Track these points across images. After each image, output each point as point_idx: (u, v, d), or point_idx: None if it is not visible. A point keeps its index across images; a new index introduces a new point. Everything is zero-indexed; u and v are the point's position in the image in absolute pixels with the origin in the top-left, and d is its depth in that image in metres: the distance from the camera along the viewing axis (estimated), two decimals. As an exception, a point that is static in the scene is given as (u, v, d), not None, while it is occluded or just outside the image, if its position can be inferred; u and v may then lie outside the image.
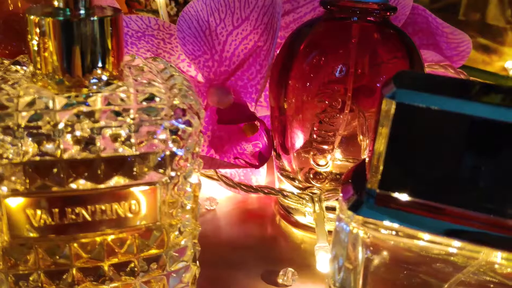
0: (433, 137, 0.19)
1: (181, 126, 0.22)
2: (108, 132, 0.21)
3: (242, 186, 0.33)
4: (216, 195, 0.37)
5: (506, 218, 0.19)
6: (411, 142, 0.20)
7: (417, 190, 0.20)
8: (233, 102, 0.34)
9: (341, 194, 0.23)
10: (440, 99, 0.19)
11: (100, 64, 0.23)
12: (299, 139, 0.32)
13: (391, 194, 0.21)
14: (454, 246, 0.20)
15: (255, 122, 0.35)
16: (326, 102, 0.30)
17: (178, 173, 0.23)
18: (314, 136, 0.31)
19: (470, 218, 0.20)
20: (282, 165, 0.34)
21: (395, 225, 0.20)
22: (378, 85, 0.31)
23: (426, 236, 0.20)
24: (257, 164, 0.33)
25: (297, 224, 0.34)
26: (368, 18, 0.30)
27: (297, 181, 0.33)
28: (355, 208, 0.21)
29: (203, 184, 0.38)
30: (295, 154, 0.33)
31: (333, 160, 0.32)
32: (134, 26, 0.35)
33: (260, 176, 0.38)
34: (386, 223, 0.20)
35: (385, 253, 0.22)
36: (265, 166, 0.38)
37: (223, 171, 0.36)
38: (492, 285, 0.22)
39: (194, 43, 0.35)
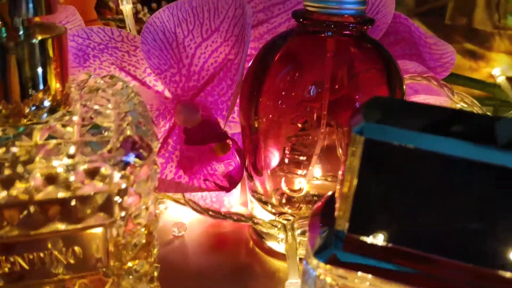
0: (406, 176, 0.17)
1: (131, 160, 0.20)
2: (44, 171, 0.18)
3: (210, 212, 0.31)
4: (185, 217, 0.34)
5: (491, 268, 0.17)
6: (383, 181, 0.18)
7: (391, 235, 0.18)
8: (201, 120, 0.32)
9: (307, 233, 0.21)
10: (413, 135, 0.17)
11: (41, 89, 0.21)
12: (271, 161, 0.30)
13: (362, 238, 0.19)
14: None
15: (227, 141, 0.33)
16: (299, 125, 0.28)
17: (129, 213, 0.20)
18: (286, 160, 0.29)
19: (449, 267, 0.18)
20: (254, 187, 0.32)
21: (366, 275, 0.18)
22: (356, 97, 0.29)
23: None
24: (227, 187, 0.31)
25: (270, 252, 0.32)
26: (344, 32, 0.27)
27: (269, 206, 0.31)
28: (320, 253, 0.19)
29: (171, 207, 0.36)
30: (268, 173, 0.31)
31: (309, 182, 0.30)
32: (96, 38, 0.33)
33: (233, 197, 0.36)
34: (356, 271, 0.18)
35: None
36: (238, 186, 0.36)
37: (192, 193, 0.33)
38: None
39: (160, 56, 0.32)
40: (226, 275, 0.30)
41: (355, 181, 0.18)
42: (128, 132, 0.20)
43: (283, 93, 0.29)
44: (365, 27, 0.27)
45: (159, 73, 0.32)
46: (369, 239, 0.18)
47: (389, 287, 0.18)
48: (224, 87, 0.33)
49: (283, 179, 0.30)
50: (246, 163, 0.32)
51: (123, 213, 0.20)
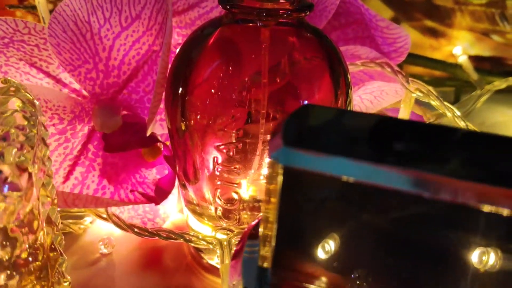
0: (326, 203, 0.14)
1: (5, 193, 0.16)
2: None
3: (135, 229, 0.27)
4: (115, 230, 0.30)
5: None
6: (306, 212, 0.14)
7: (317, 272, 0.15)
8: (122, 123, 0.28)
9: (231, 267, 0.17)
10: (331, 161, 0.13)
11: None
12: (203, 169, 0.26)
13: (285, 275, 0.15)
14: None
15: (157, 144, 0.29)
16: (231, 132, 0.24)
17: (11, 260, 0.16)
18: (218, 171, 0.25)
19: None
20: (188, 196, 0.28)
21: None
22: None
23: None
24: (156, 199, 0.27)
25: (210, 269, 0.28)
26: (280, 21, 0.24)
27: (205, 218, 0.27)
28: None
29: (99, 220, 0.31)
30: (203, 180, 0.27)
31: (253, 183, 0.27)
32: (-4, 31, 0.28)
33: (169, 206, 0.32)
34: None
35: None
36: (175, 191, 0.32)
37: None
38: None
39: (72, 50, 0.28)
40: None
41: (276, 211, 0.14)
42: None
43: (213, 91, 0.25)
44: (303, 14, 0.23)
45: (72, 70, 0.28)
46: (294, 275, 0.15)
47: None
48: (150, 82, 0.29)
49: (217, 191, 0.26)
50: (178, 169, 0.28)
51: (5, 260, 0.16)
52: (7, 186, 0.16)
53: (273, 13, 0.23)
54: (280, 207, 0.14)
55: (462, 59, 0.49)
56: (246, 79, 0.25)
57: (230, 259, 0.24)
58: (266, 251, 0.15)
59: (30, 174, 0.17)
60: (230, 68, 0.25)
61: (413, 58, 0.50)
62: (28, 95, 0.21)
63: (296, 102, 0.25)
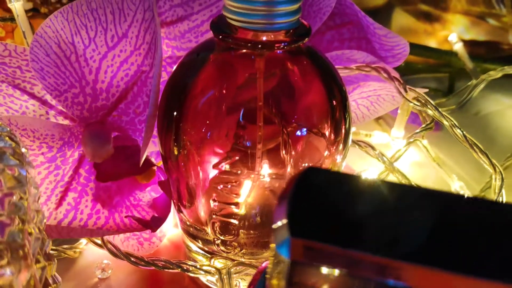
0: None
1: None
2: None
3: (131, 258, 0.26)
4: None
5: None
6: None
7: None
8: (115, 149, 0.27)
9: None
10: (343, 256, 0.13)
11: None
12: (197, 193, 0.26)
13: None
14: None
15: (152, 168, 0.28)
16: (226, 166, 0.24)
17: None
18: (214, 206, 0.25)
19: None
20: (183, 219, 0.28)
21: None
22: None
23: None
24: (152, 226, 0.27)
25: (208, 290, 0.28)
26: (276, 50, 0.22)
27: (200, 242, 0.27)
28: None
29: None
30: (198, 206, 0.27)
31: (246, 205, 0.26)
32: (-26, 55, 0.26)
33: (165, 223, 0.31)
34: None
35: None
36: (172, 211, 0.31)
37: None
38: None
39: (57, 74, 0.26)
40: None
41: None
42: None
43: (207, 120, 0.24)
44: (300, 44, 0.22)
45: (58, 95, 0.27)
46: None
47: None
48: (140, 104, 0.28)
49: (215, 225, 0.25)
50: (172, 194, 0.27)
51: None
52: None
53: (268, 45, 0.22)
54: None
55: (458, 47, 0.48)
56: (242, 107, 0.24)
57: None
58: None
59: (25, 256, 0.16)
60: (224, 92, 0.24)
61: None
62: (12, 143, 0.20)
63: (292, 128, 0.24)
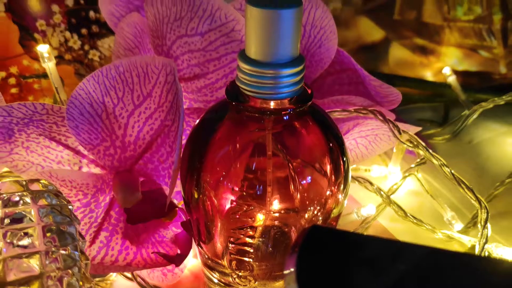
0: None
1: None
2: None
3: (159, 292, 0.30)
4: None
5: None
6: None
7: None
8: (143, 194, 0.30)
9: None
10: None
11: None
12: (215, 232, 0.29)
13: None
14: None
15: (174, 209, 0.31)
16: (242, 218, 0.27)
17: None
18: (231, 248, 0.28)
19: None
20: (203, 252, 0.31)
21: None
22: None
23: None
24: (176, 261, 0.30)
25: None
26: (283, 116, 0.26)
27: (217, 273, 0.31)
28: None
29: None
30: (216, 244, 0.30)
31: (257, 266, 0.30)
32: (18, 114, 0.30)
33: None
34: None
35: None
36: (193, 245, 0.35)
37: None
38: None
39: (90, 131, 0.30)
40: None
41: None
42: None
43: (224, 172, 0.28)
44: (303, 108, 0.26)
45: (91, 148, 0.30)
46: None
47: None
48: (164, 153, 0.32)
49: (233, 263, 0.29)
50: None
51: None
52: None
53: (275, 111, 0.25)
54: None
55: (451, 79, 0.51)
56: (254, 158, 0.27)
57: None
58: None
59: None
60: (238, 147, 0.28)
61: (405, 81, 0.53)
62: (58, 199, 0.24)
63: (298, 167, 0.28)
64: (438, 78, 0.55)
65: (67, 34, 0.44)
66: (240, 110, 0.26)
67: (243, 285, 0.29)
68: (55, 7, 0.44)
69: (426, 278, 0.17)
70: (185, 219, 0.31)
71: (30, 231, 0.21)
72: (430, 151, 0.34)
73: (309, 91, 0.26)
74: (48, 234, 0.21)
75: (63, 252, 0.21)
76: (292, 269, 0.17)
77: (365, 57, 0.56)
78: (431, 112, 0.54)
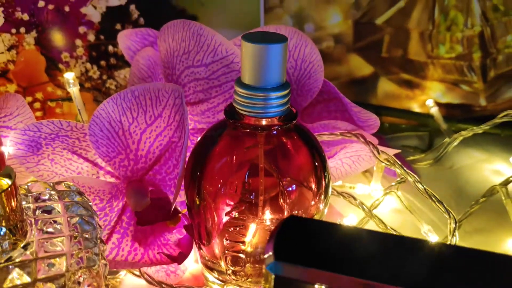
0: None
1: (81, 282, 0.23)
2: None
3: (163, 285, 0.34)
4: (143, 282, 0.38)
5: None
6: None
7: None
8: (151, 200, 0.35)
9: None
10: (319, 274, 0.20)
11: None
12: (213, 236, 0.34)
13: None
14: None
15: (178, 215, 0.36)
16: (235, 214, 0.32)
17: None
18: (227, 244, 0.33)
19: None
20: (202, 254, 0.35)
21: None
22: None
23: None
24: (178, 260, 0.34)
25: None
26: (272, 131, 0.31)
27: (216, 273, 0.35)
28: None
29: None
30: (214, 242, 0.34)
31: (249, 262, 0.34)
32: (46, 130, 0.35)
33: (188, 260, 0.39)
34: None
35: None
36: (193, 249, 0.39)
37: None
38: None
39: (108, 145, 0.35)
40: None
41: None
42: (79, 267, 0.23)
43: (222, 180, 0.32)
44: (289, 125, 0.31)
45: (108, 160, 0.35)
46: None
47: None
48: (170, 166, 0.36)
49: (227, 259, 0.33)
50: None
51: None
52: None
53: (266, 127, 0.30)
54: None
55: (434, 111, 0.56)
56: (247, 170, 0.32)
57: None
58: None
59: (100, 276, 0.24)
60: (234, 159, 0.33)
61: (391, 111, 0.58)
62: (81, 198, 0.28)
63: (287, 182, 0.33)
64: (423, 109, 0.60)
65: (88, 65, 0.50)
66: (236, 127, 0.31)
67: (236, 280, 0.34)
68: (78, 42, 0.50)
69: (390, 257, 0.21)
70: (187, 224, 0.35)
71: (58, 219, 0.26)
72: (405, 169, 0.38)
73: (294, 111, 0.31)
74: (73, 222, 0.26)
75: (85, 235, 0.25)
76: (270, 253, 0.22)
77: (356, 90, 0.61)
78: (417, 140, 0.59)
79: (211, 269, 0.35)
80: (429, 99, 0.57)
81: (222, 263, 0.34)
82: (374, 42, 0.60)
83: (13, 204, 0.23)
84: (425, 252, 0.22)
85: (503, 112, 0.47)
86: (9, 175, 0.23)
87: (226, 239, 0.33)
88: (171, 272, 0.38)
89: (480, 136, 0.54)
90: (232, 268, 0.33)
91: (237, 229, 0.32)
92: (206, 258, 0.35)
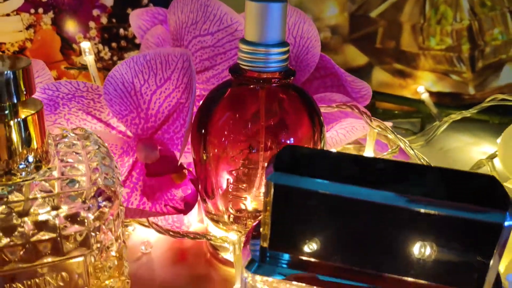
0: (310, 211, 0.24)
1: (101, 205, 0.26)
2: (35, 219, 0.24)
3: (170, 232, 0.37)
4: (152, 236, 0.40)
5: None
6: (292, 215, 0.24)
7: (301, 252, 0.25)
8: (160, 156, 0.38)
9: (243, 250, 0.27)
10: (312, 181, 0.23)
11: (26, 152, 0.26)
12: (219, 188, 0.36)
13: (280, 254, 0.25)
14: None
15: (183, 171, 0.39)
16: (239, 160, 0.34)
17: (102, 244, 0.26)
18: (230, 189, 0.35)
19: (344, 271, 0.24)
20: (207, 208, 0.38)
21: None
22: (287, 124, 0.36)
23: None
24: (184, 210, 0.37)
25: (224, 262, 0.38)
26: (273, 84, 0.34)
27: (221, 224, 0.37)
28: (249, 265, 0.25)
29: (138, 228, 0.41)
30: (218, 196, 0.37)
31: (255, 199, 0.37)
32: (64, 90, 0.38)
33: (191, 217, 0.42)
34: (276, 278, 0.25)
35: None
36: (195, 207, 0.42)
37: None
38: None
39: (121, 103, 0.38)
40: (188, 284, 0.36)
41: (270, 214, 0.24)
42: (98, 184, 0.26)
43: (225, 132, 0.35)
44: (288, 80, 0.34)
45: (121, 118, 0.38)
46: (285, 255, 0.25)
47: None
48: (178, 126, 0.39)
49: (230, 203, 0.36)
50: (200, 188, 0.38)
51: (98, 245, 0.26)
52: (103, 200, 0.26)
53: (267, 80, 0.33)
54: (273, 214, 0.24)
55: (424, 96, 0.59)
56: (249, 123, 0.35)
57: (241, 249, 0.34)
58: (265, 235, 0.25)
59: (116, 194, 0.27)
60: (237, 115, 0.36)
61: (385, 97, 0.61)
62: (99, 139, 0.31)
63: (285, 137, 0.36)
64: (414, 97, 0.63)
65: (100, 46, 0.53)
66: (240, 83, 0.34)
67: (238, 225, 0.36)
68: (92, 24, 0.53)
69: (369, 172, 0.24)
70: (193, 178, 0.38)
71: (78, 151, 0.29)
72: (396, 134, 0.41)
73: (293, 69, 0.34)
74: (92, 154, 0.29)
75: (104, 162, 0.28)
76: (269, 177, 0.24)
77: (352, 78, 0.64)
78: (410, 126, 0.62)
79: (216, 221, 0.38)
80: (419, 86, 0.61)
81: (225, 216, 0.37)
82: (368, 33, 0.63)
83: (39, 130, 0.26)
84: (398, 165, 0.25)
85: (490, 97, 0.51)
86: (36, 104, 0.26)
87: (230, 183, 0.35)
88: (176, 228, 0.41)
89: (470, 122, 0.57)
90: (235, 214, 0.36)
91: (241, 181, 0.35)
92: (211, 211, 0.38)
